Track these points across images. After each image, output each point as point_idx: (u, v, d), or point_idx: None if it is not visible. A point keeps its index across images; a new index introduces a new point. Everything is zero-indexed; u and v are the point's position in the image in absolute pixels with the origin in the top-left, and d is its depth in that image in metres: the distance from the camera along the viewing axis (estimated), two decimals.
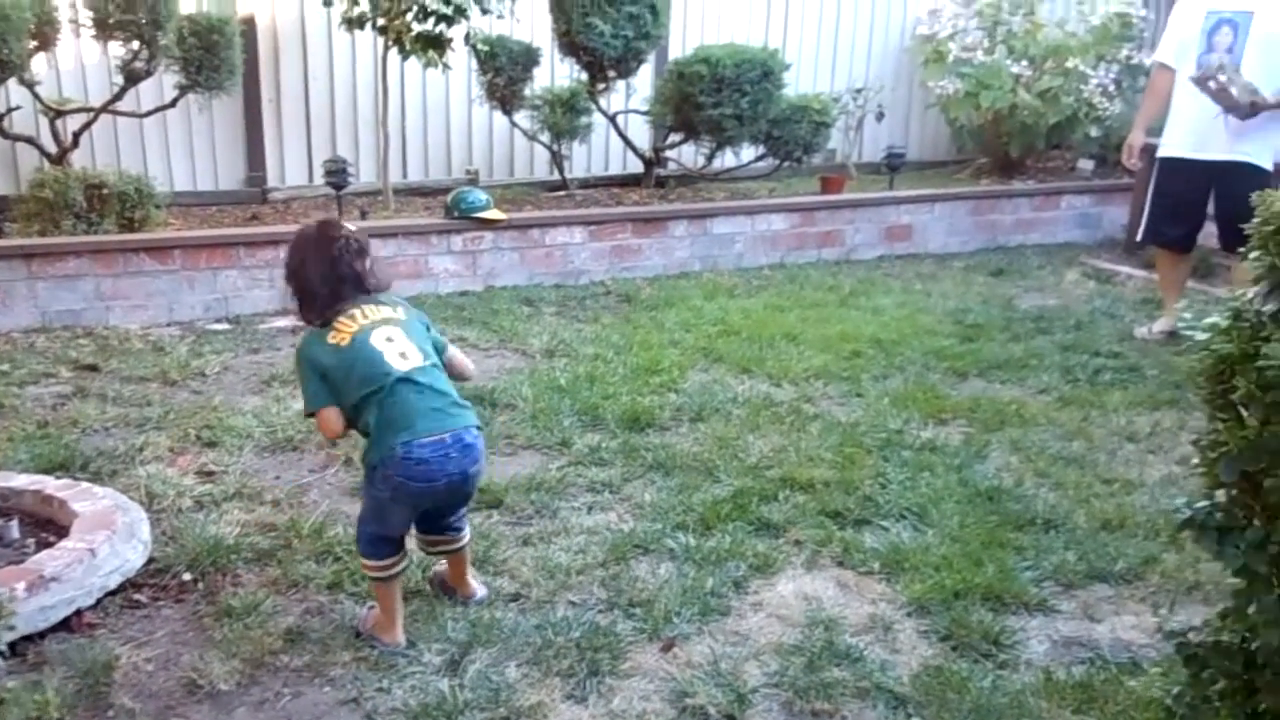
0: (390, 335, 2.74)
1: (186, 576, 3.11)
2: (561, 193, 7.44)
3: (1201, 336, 2.05)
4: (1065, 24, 8.21)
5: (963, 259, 7.26)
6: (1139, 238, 5.93)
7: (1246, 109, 5.03)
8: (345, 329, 2.73)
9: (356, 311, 2.76)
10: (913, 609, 3.02)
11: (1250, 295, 2.00)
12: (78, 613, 2.85)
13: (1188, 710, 2.04)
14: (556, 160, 7.44)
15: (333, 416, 2.75)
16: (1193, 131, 5.29)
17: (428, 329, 2.88)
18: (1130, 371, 5.02)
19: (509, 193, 7.33)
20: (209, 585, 3.08)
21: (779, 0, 8.35)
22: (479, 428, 2.81)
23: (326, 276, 2.76)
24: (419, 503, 2.76)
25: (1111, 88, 7.82)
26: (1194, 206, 5.44)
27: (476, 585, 3.02)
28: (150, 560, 3.15)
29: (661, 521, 3.47)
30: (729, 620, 2.95)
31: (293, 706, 2.56)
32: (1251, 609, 1.94)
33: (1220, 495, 2.05)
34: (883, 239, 7.34)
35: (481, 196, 6.41)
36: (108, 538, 3.03)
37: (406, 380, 2.69)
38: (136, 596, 3.02)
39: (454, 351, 2.98)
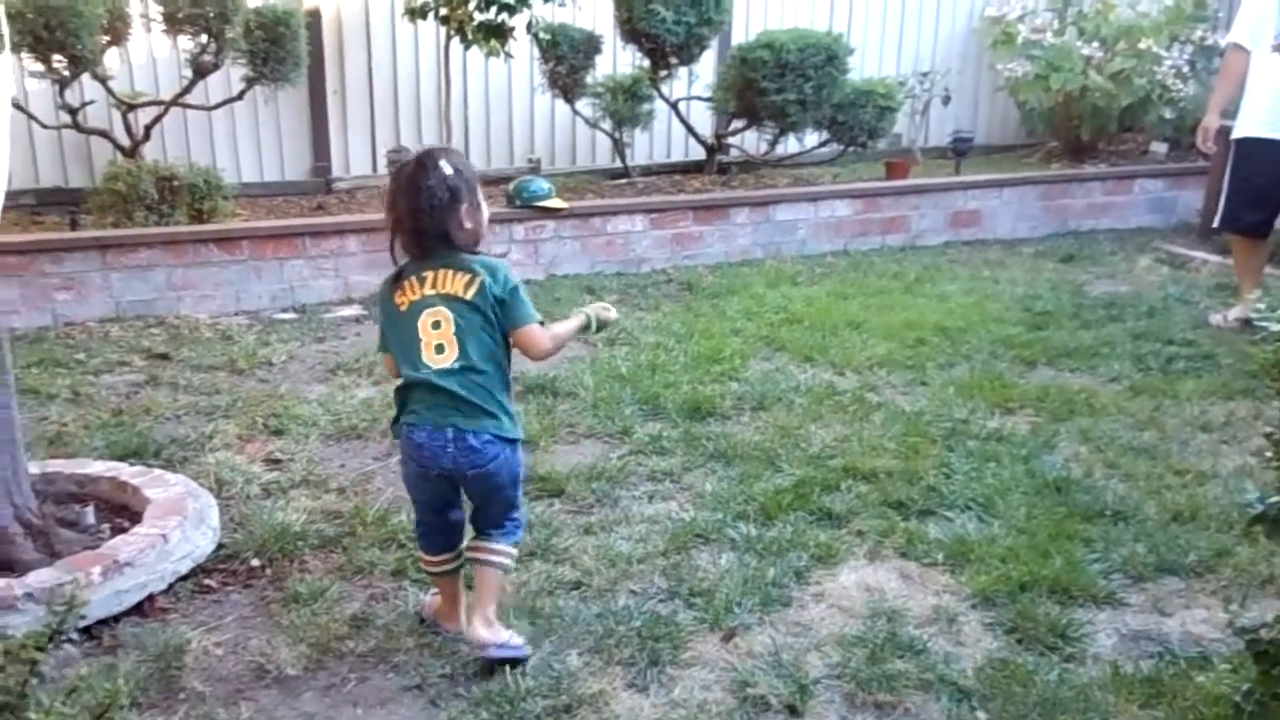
0: (439, 319, 2.56)
1: (255, 562, 3.16)
2: (623, 180, 7.44)
3: (1275, 328, 2.00)
4: (1137, 4, 8.02)
5: (1032, 245, 7.13)
6: (1216, 224, 5.78)
7: None
8: (409, 293, 2.59)
9: (430, 274, 2.58)
10: (977, 601, 2.98)
11: None
12: (150, 597, 2.92)
13: (1257, 707, 1.99)
14: (618, 148, 7.44)
15: (390, 364, 2.72)
16: (1270, 110, 5.14)
17: (495, 311, 2.58)
18: (1204, 360, 4.90)
19: (571, 181, 7.35)
20: (276, 571, 3.13)
21: None
22: (504, 437, 2.61)
23: (410, 217, 2.57)
24: (423, 489, 2.70)
25: (1185, 69, 7.63)
26: (1273, 191, 5.30)
27: (489, 634, 2.65)
28: (220, 546, 3.21)
29: (722, 511, 3.46)
30: (790, 611, 2.93)
31: (358, 691, 2.59)
32: None
33: None
34: (949, 225, 7.24)
35: (543, 185, 6.42)
36: (179, 524, 3.09)
37: (429, 379, 2.56)
38: (207, 582, 3.08)
39: (529, 331, 2.64)
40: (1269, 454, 2.05)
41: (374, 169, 7.28)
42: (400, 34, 7.18)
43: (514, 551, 2.76)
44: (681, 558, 3.18)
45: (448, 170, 2.56)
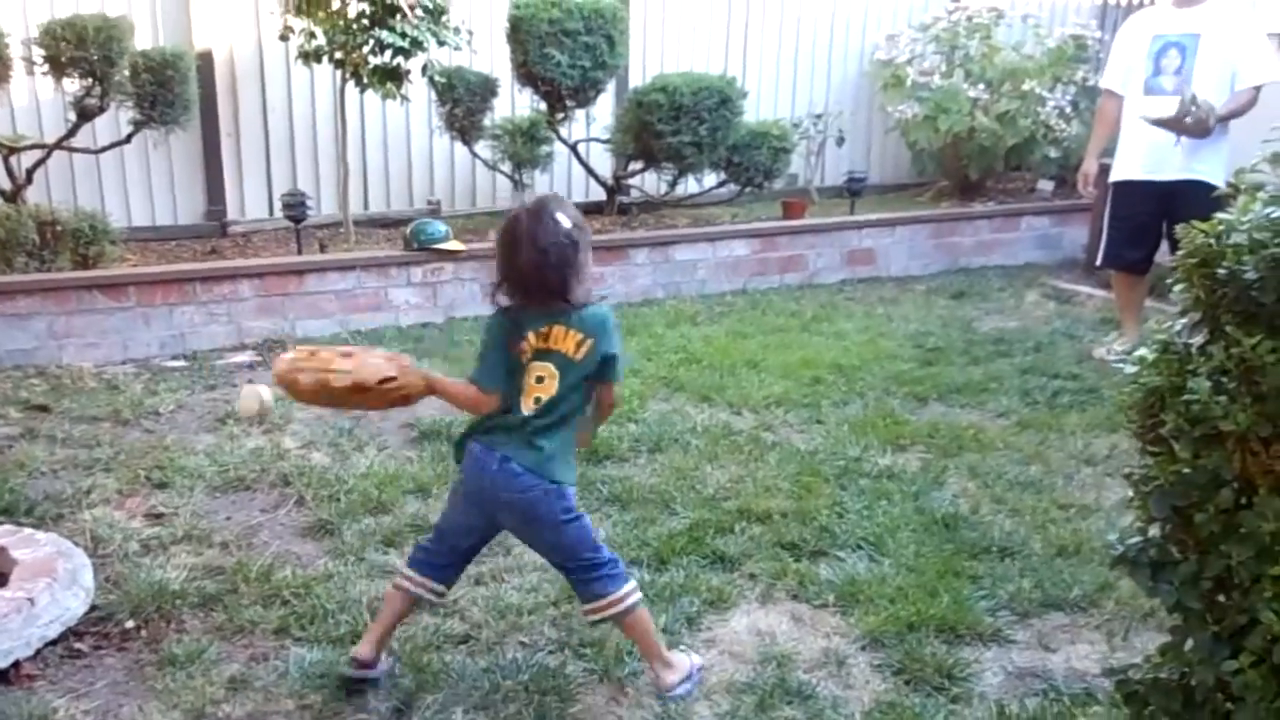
0: (543, 375, 2.61)
1: (129, 624, 3.05)
2: None
3: (1130, 370, 2.05)
4: (1021, 47, 8.27)
5: (924, 282, 7.28)
6: (1099, 262, 5.98)
7: (1210, 128, 5.08)
8: (529, 346, 2.61)
9: (547, 329, 2.60)
10: (866, 642, 3.00)
11: (1177, 328, 2.01)
12: (15, 665, 2.79)
13: None
14: (518, 189, 7.43)
15: (479, 399, 2.68)
16: (1144, 154, 5.33)
17: (594, 369, 2.65)
18: (1089, 393, 5.03)
19: (471, 223, 7.32)
20: (152, 632, 3.02)
21: (737, 28, 8.39)
22: (545, 475, 2.61)
23: (534, 270, 2.55)
24: (458, 505, 2.78)
25: (1068, 109, 7.89)
26: (1150, 229, 5.48)
27: (671, 675, 2.73)
28: (93, 608, 3.09)
29: (617, 556, 3.44)
30: None
31: None
32: (1187, 646, 1.93)
33: (1154, 530, 2.04)
34: (845, 263, 7.36)
35: (441, 228, 6.38)
36: (48, 585, 2.97)
37: (516, 421, 2.63)
38: (77, 645, 2.96)
39: (613, 388, 2.80)
40: (1130, 494, 2.10)
41: (270, 212, 7.17)
42: (295, 77, 7.10)
43: (621, 593, 2.68)
44: (572, 607, 3.14)
45: (568, 221, 2.59)
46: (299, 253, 6.31)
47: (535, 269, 2.54)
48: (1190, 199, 4.95)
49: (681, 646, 2.88)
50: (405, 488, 3.95)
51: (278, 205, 6.88)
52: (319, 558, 3.46)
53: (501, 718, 2.64)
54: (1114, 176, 5.58)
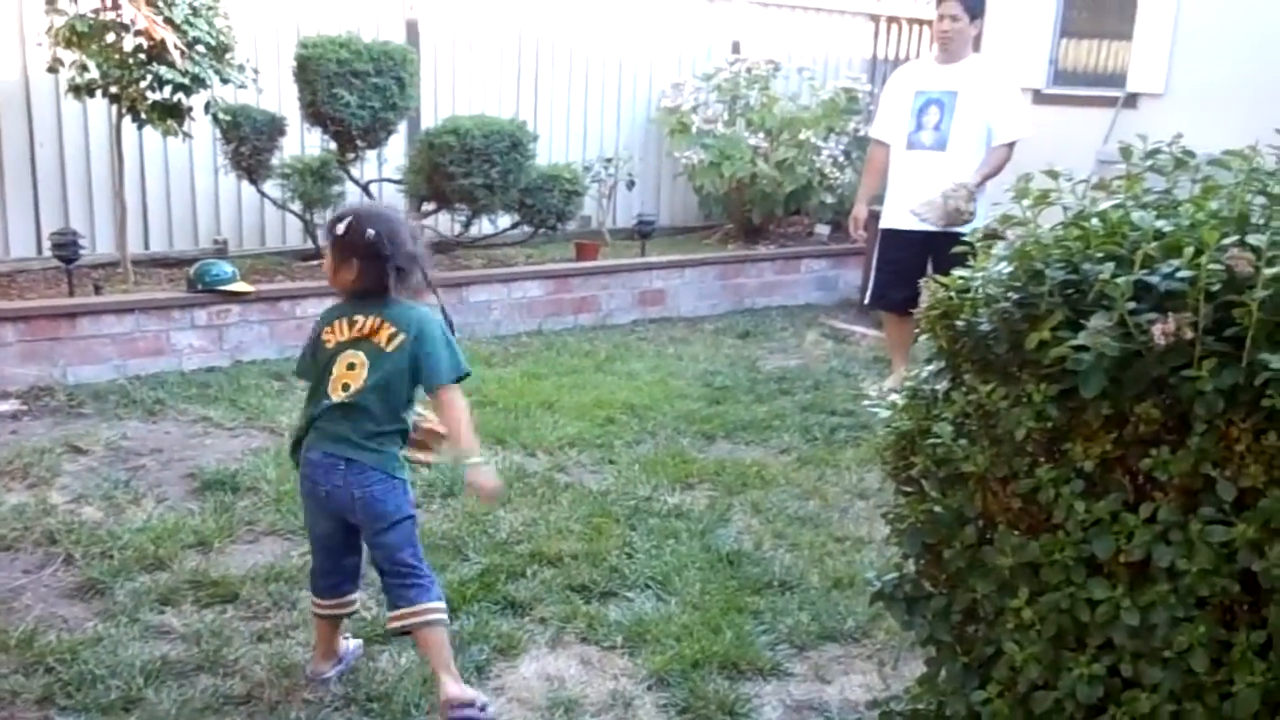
0: (354, 362, 2.80)
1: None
2: (315, 262, 7.28)
3: (883, 414, 2.22)
4: (798, 98, 8.69)
5: (712, 321, 7.52)
6: (866, 301, 6.33)
7: (971, 211, 5.44)
8: (334, 334, 2.86)
9: (363, 320, 2.83)
10: (653, 682, 3.09)
11: (924, 375, 2.18)
12: None
13: None
14: (309, 229, 7.29)
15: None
16: (907, 204, 5.68)
17: (414, 369, 2.83)
18: (862, 429, 5.30)
19: (260, 263, 7.13)
20: None
21: (529, 72, 8.49)
22: (390, 472, 2.82)
23: (352, 262, 2.83)
24: (318, 519, 2.92)
25: (841, 158, 8.33)
26: (914, 272, 5.79)
27: (460, 691, 2.78)
28: None
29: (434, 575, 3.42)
30: None
31: None
32: (941, 676, 2.09)
33: (910, 566, 2.21)
34: (637, 304, 7.53)
35: (227, 268, 6.19)
36: None
37: (335, 407, 2.78)
38: None
39: (447, 401, 2.87)
40: (889, 532, 2.26)
41: (39, 251, 6.79)
42: (66, 110, 6.76)
43: (442, 605, 2.85)
44: (361, 660, 3.12)
45: (388, 223, 2.84)
46: (70, 294, 6.00)
47: (356, 260, 2.79)
48: (949, 248, 5.28)
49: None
50: (185, 541, 3.82)
51: (47, 244, 6.53)
52: (88, 620, 3.31)
53: None
54: (882, 223, 5.93)
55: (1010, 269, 1.93)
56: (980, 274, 2.03)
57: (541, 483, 4.51)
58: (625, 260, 7.69)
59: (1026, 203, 1.99)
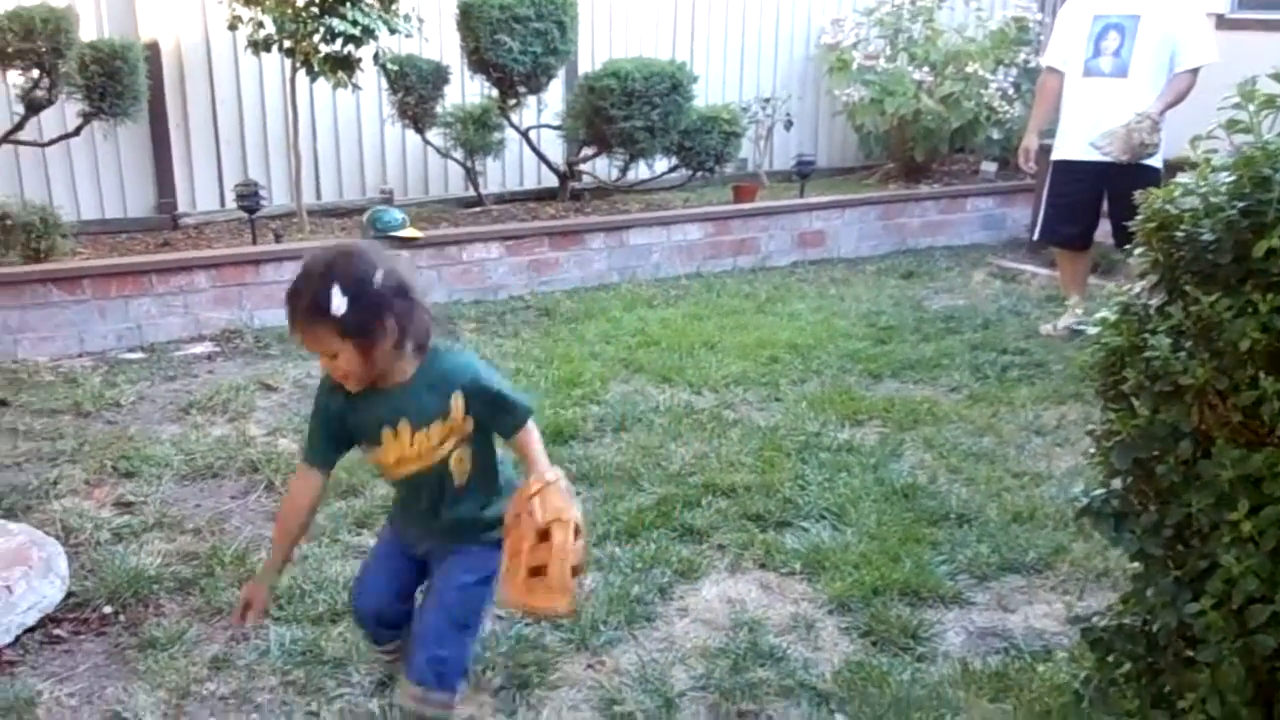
0: None
1: (107, 609, 3.07)
2: (477, 209, 7.45)
3: (1093, 331, 2.16)
4: (964, 30, 8.42)
5: (874, 263, 7.41)
6: (1036, 237, 6.12)
7: (1156, 142, 5.22)
8: None
9: None
10: (833, 607, 3.10)
11: (1137, 289, 2.11)
12: None
13: (1096, 693, 2.13)
14: (471, 177, 7.45)
15: None
16: (1083, 135, 5.47)
17: None
18: (1036, 368, 5.18)
19: (424, 211, 7.32)
20: (131, 617, 3.05)
21: (685, 13, 8.45)
22: None
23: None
24: None
25: (1010, 91, 8.05)
26: (1088, 206, 5.63)
27: None
28: (69, 595, 3.11)
29: (588, 532, 3.50)
30: (656, 626, 3.00)
31: None
32: (1150, 592, 2.04)
33: (1116, 483, 2.15)
34: (796, 245, 7.47)
35: (397, 215, 6.39)
36: (24, 574, 2.99)
37: None
38: (56, 632, 2.98)
39: None
40: (1093, 450, 2.21)
41: (222, 204, 7.12)
42: (244, 66, 7.05)
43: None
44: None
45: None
46: (254, 243, 6.29)
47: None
48: (1127, 180, 5.07)
49: None
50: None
51: (229, 196, 6.85)
52: None
53: (483, 688, 2.69)
54: (1054, 155, 5.72)
55: (1233, 177, 1.84)
56: (1201, 183, 1.95)
57: (710, 418, 4.55)
58: (784, 201, 7.62)
59: (1252, 107, 1.89)
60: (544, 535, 2.17)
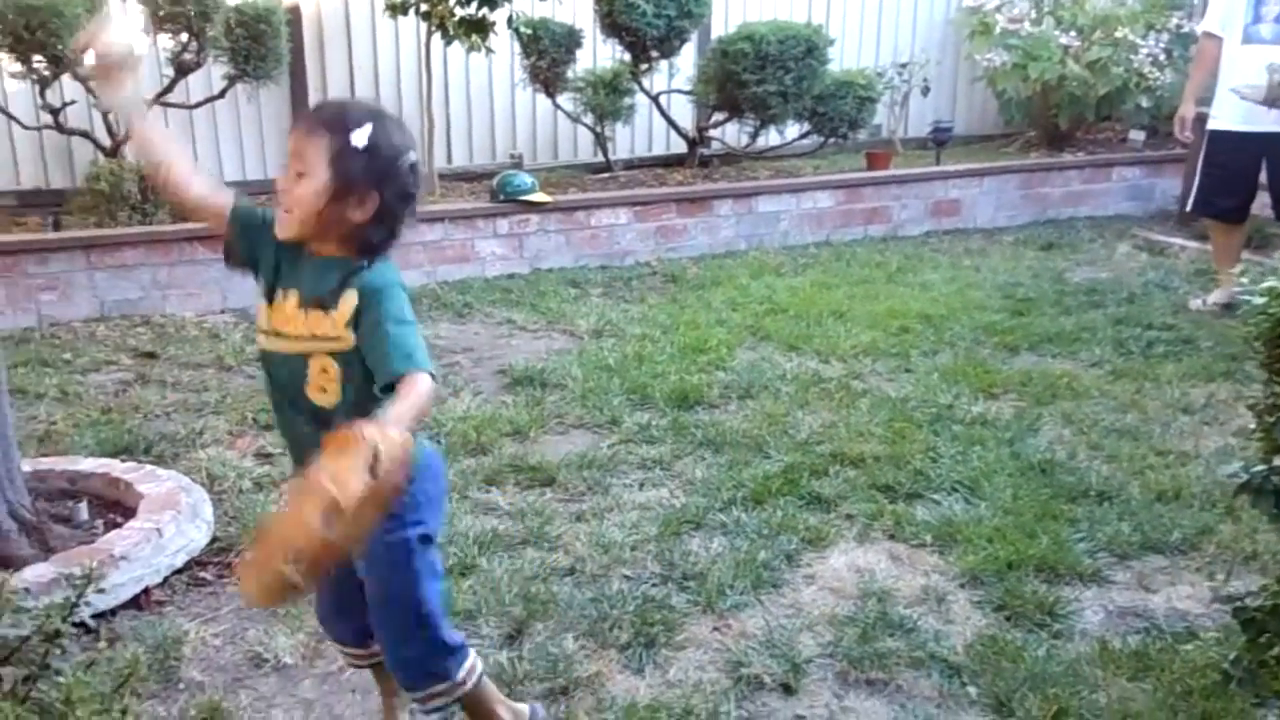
0: None
1: (249, 555, 3.17)
2: (605, 174, 7.46)
3: (1258, 301, 2.04)
4: None
5: (1012, 233, 7.19)
6: (1189, 208, 5.86)
7: None
8: None
9: None
10: (966, 580, 3.02)
11: None
12: (146, 590, 2.93)
13: (1245, 674, 2.03)
14: (600, 142, 7.46)
15: None
16: (1242, 104, 5.19)
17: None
18: (1184, 344, 4.96)
19: (553, 175, 7.37)
20: None
21: None
22: None
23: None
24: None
25: (1162, 57, 7.70)
26: (1246, 178, 5.36)
27: None
28: (214, 539, 3.22)
29: (712, 497, 3.49)
30: (782, 593, 2.97)
31: (356, 679, 2.60)
32: None
33: (1278, 459, 2.04)
34: (930, 215, 7.30)
35: (527, 179, 6.45)
36: (173, 518, 3.11)
37: None
38: (202, 574, 3.09)
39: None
40: (1253, 425, 2.10)
41: None
42: (381, 30, 7.18)
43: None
44: (673, 543, 3.21)
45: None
46: None
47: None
48: None
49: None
50: (502, 430, 4.04)
51: None
52: None
53: (610, 645, 2.70)
54: (1211, 125, 5.46)
55: None
56: None
57: (838, 388, 4.48)
58: (919, 169, 7.44)
59: None
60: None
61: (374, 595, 2.10)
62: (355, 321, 1.91)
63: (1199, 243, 6.49)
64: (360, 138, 1.89)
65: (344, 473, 1.61)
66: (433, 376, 1.86)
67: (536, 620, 2.81)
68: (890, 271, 6.30)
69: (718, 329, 5.23)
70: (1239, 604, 2.02)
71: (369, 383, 1.90)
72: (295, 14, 6.92)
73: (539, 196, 6.38)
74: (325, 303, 1.94)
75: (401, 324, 1.90)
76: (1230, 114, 5.31)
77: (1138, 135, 8.20)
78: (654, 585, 2.98)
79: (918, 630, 2.76)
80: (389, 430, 1.65)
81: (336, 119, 1.93)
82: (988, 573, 3.03)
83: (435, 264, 6.20)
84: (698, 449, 3.91)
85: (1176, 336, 5.07)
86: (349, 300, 1.92)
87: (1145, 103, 7.85)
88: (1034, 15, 7.92)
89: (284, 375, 2.02)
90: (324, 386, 1.97)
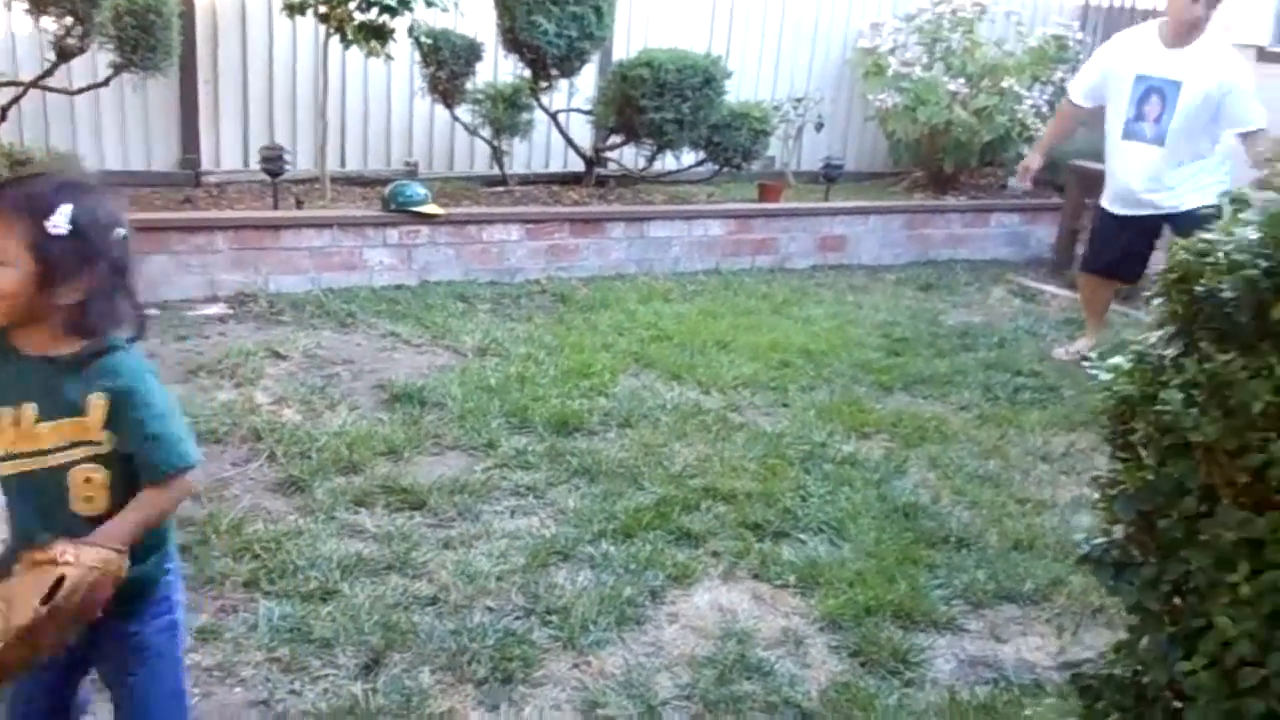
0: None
1: None
2: (501, 188, 7.42)
3: (1105, 377, 2.13)
4: (1003, 43, 8.34)
5: (894, 272, 7.37)
6: (1080, 267, 6.02)
7: None
8: None
9: None
10: (825, 624, 3.09)
11: (1153, 339, 2.08)
12: None
13: None
14: (497, 156, 7.42)
15: None
16: (1122, 195, 5.44)
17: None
18: (1049, 391, 5.14)
19: (448, 186, 7.30)
20: None
21: (723, 7, 8.39)
22: None
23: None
24: None
25: (1045, 108, 7.97)
26: (1135, 254, 5.56)
27: None
28: None
29: (583, 528, 3.50)
30: (645, 630, 3.00)
31: (202, 707, 2.55)
32: (1143, 645, 2.02)
33: (1118, 531, 2.13)
34: (817, 248, 7.43)
35: (420, 190, 6.38)
36: None
37: None
38: None
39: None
40: (1097, 496, 2.19)
41: (245, 164, 7.11)
42: (278, 28, 7.03)
43: None
44: (540, 574, 3.21)
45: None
46: (275, 207, 6.28)
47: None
48: (1183, 222, 4.88)
49: None
50: (377, 448, 3.99)
51: (254, 157, 6.83)
52: (289, 513, 3.50)
53: (467, 679, 2.70)
54: (1102, 201, 5.66)
55: (1259, 235, 1.81)
56: (1226, 239, 1.91)
57: (716, 420, 4.53)
58: (808, 204, 7.57)
59: None
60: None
61: (142, 694, 1.96)
62: (110, 422, 1.81)
63: (1069, 290, 6.73)
64: (60, 220, 1.76)
65: (18, 597, 1.62)
66: (193, 467, 1.86)
67: (395, 651, 2.78)
68: (776, 304, 6.39)
69: (603, 353, 5.24)
70: (1077, 670, 2.10)
71: (135, 479, 1.84)
72: (189, 5, 6.74)
73: (431, 208, 6.32)
74: (72, 409, 1.81)
75: (163, 419, 1.84)
76: (1111, 199, 5.55)
77: (1017, 183, 8.47)
78: (517, 618, 2.98)
79: (774, 674, 2.81)
80: (88, 554, 1.67)
81: (31, 203, 1.78)
82: (846, 617, 3.09)
83: (321, 271, 6.09)
84: (573, 477, 3.91)
85: (1042, 384, 5.25)
86: (98, 404, 1.80)
87: (1026, 151, 8.10)
88: (925, 60, 8.13)
89: (33, 496, 1.85)
90: (89, 496, 1.84)
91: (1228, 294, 1.83)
